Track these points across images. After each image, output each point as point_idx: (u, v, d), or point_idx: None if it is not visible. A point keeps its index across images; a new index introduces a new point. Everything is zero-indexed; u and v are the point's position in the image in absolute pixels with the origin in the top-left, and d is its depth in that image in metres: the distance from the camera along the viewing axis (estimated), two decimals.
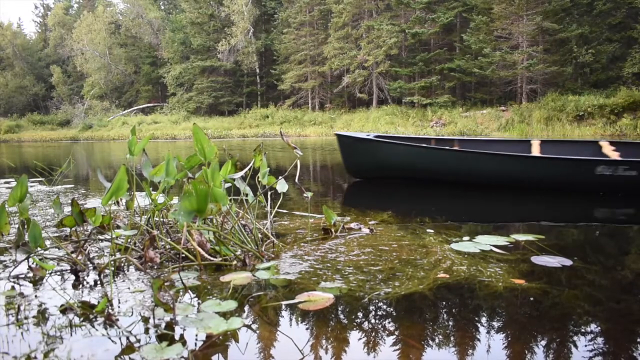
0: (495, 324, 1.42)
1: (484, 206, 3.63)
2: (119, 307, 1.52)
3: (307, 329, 1.39)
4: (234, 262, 1.95)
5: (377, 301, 1.56)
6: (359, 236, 2.41)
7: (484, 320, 1.45)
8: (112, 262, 1.88)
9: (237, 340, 1.30)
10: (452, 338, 1.33)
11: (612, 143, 4.67)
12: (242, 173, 2.30)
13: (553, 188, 3.92)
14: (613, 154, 4.46)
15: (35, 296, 1.64)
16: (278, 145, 13.66)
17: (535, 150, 4.85)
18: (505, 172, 3.96)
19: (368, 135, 4.62)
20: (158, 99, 40.19)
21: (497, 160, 3.95)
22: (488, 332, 1.36)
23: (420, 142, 5.07)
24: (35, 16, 64.36)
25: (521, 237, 2.35)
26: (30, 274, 1.87)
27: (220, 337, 1.31)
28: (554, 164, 3.86)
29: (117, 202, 2.40)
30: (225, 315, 1.44)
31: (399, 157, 4.34)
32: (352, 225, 2.62)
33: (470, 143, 5.37)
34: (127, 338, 1.30)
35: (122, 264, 1.96)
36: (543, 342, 1.30)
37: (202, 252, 1.85)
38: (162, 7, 45.77)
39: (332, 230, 2.46)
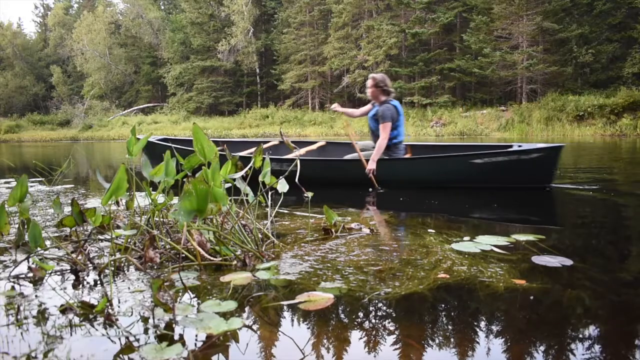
0: (496, 324, 1.42)
1: None
2: (118, 307, 1.52)
3: (307, 329, 1.39)
4: (234, 262, 1.94)
5: (377, 301, 1.56)
6: (360, 236, 2.41)
7: (484, 320, 1.44)
8: (112, 262, 1.88)
9: (237, 341, 1.30)
10: (452, 338, 1.33)
11: (329, 143, 5.36)
12: (242, 173, 2.29)
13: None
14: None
15: (35, 296, 1.64)
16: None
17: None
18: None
19: (154, 138, 5.56)
20: (158, 99, 40.19)
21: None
22: (488, 333, 1.36)
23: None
24: (35, 16, 64.37)
25: (522, 237, 2.34)
26: (30, 274, 1.87)
27: (220, 338, 1.30)
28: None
29: (117, 202, 2.40)
30: (225, 315, 1.43)
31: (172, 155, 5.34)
32: (353, 225, 2.61)
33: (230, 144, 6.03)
34: (127, 338, 1.30)
35: (122, 264, 1.96)
36: (544, 343, 1.30)
37: (202, 252, 1.85)
38: (162, 7, 45.79)
39: (333, 230, 2.46)
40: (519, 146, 4.30)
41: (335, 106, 4.62)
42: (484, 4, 24.78)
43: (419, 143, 5.34)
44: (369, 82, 4.32)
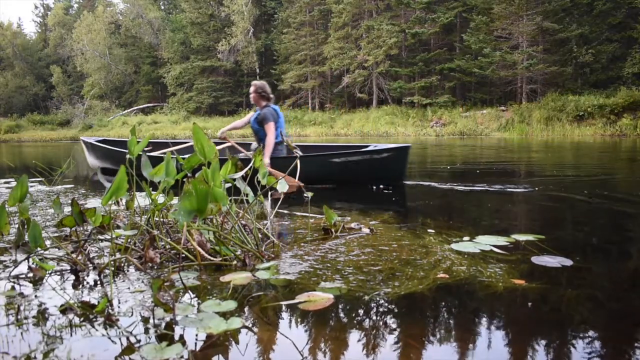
0: (496, 325, 1.42)
1: None
2: (119, 307, 1.52)
3: (307, 329, 1.39)
4: (234, 262, 1.94)
5: (377, 301, 1.56)
6: (359, 236, 2.41)
7: (484, 320, 1.45)
8: (112, 262, 1.88)
9: (237, 341, 1.30)
10: (452, 338, 1.33)
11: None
12: (242, 173, 2.29)
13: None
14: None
15: (35, 296, 1.64)
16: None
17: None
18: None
19: (92, 139, 6.32)
20: (158, 99, 40.17)
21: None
22: (488, 333, 1.36)
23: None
24: (35, 16, 64.25)
25: (521, 237, 2.35)
26: (30, 274, 1.87)
27: (220, 337, 1.31)
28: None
29: (117, 202, 2.40)
30: (225, 315, 1.44)
31: (105, 154, 6.03)
32: (353, 225, 2.62)
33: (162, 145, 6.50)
34: (127, 338, 1.30)
35: (122, 264, 1.96)
36: (543, 342, 1.30)
37: (202, 252, 1.85)
38: (162, 7, 45.75)
39: (333, 230, 2.46)
40: (375, 146, 4.67)
41: (220, 133, 5.05)
42: (484, 4, 24.76)
43: (309, 144, 5.72)
44: (251, 89, 4.83)
